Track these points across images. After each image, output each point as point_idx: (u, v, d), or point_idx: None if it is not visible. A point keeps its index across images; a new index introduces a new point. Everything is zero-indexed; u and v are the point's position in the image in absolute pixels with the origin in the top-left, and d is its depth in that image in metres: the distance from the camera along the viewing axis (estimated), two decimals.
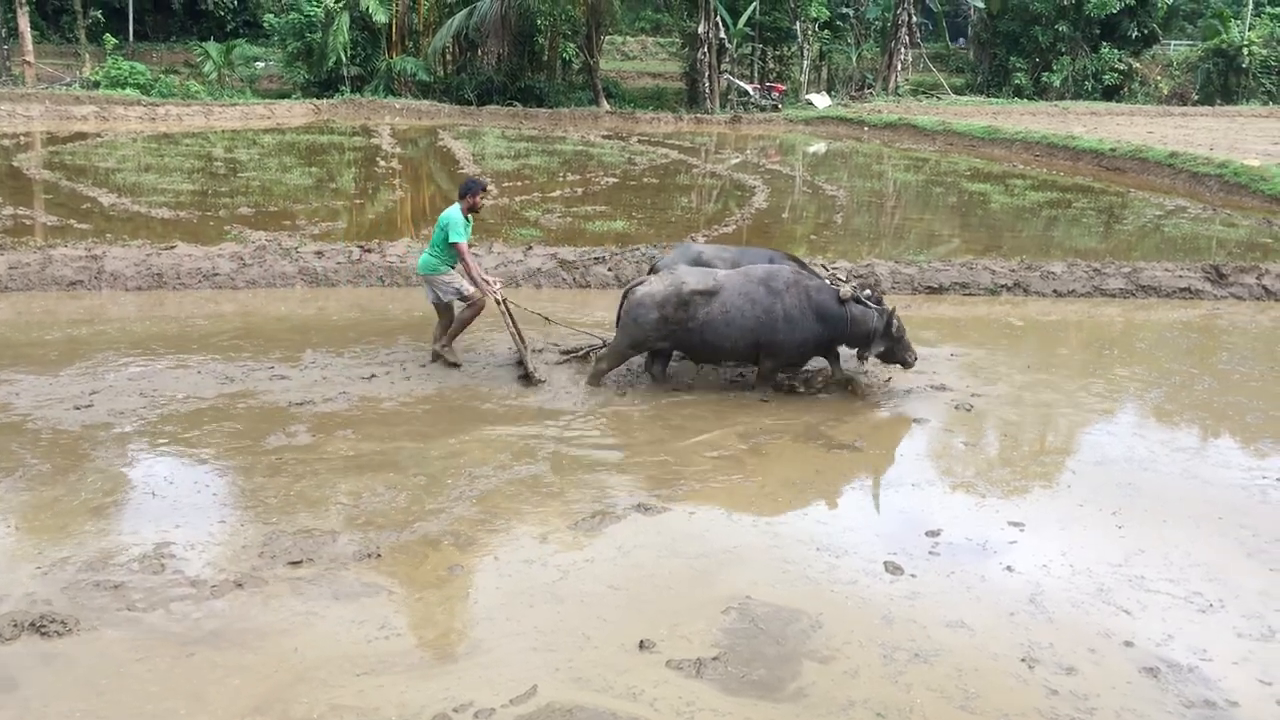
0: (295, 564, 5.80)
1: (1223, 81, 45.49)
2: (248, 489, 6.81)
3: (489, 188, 9.10)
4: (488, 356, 9.74)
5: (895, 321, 8.69)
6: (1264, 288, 13.24)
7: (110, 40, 38.99)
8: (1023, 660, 5.11)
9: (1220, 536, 6.58)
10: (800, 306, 8.59)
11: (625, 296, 8.97)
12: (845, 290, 8.70)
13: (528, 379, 8.99)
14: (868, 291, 8.88)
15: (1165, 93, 46.67)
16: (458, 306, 9.48)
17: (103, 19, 42.90)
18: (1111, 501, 7.04)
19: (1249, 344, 11.54)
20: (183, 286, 11.87)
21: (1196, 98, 45.59)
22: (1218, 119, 38.38)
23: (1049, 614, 5.55)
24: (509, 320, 9.38)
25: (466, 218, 9.27)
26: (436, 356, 9.48)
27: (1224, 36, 45.34)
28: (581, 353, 9.68)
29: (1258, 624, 5.53)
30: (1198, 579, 6.00)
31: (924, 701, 4.76)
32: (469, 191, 9.26)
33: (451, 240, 9.10)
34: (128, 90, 33.96)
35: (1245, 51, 44.50)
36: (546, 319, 10.04)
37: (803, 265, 9.69)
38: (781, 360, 8.83)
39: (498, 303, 9.31)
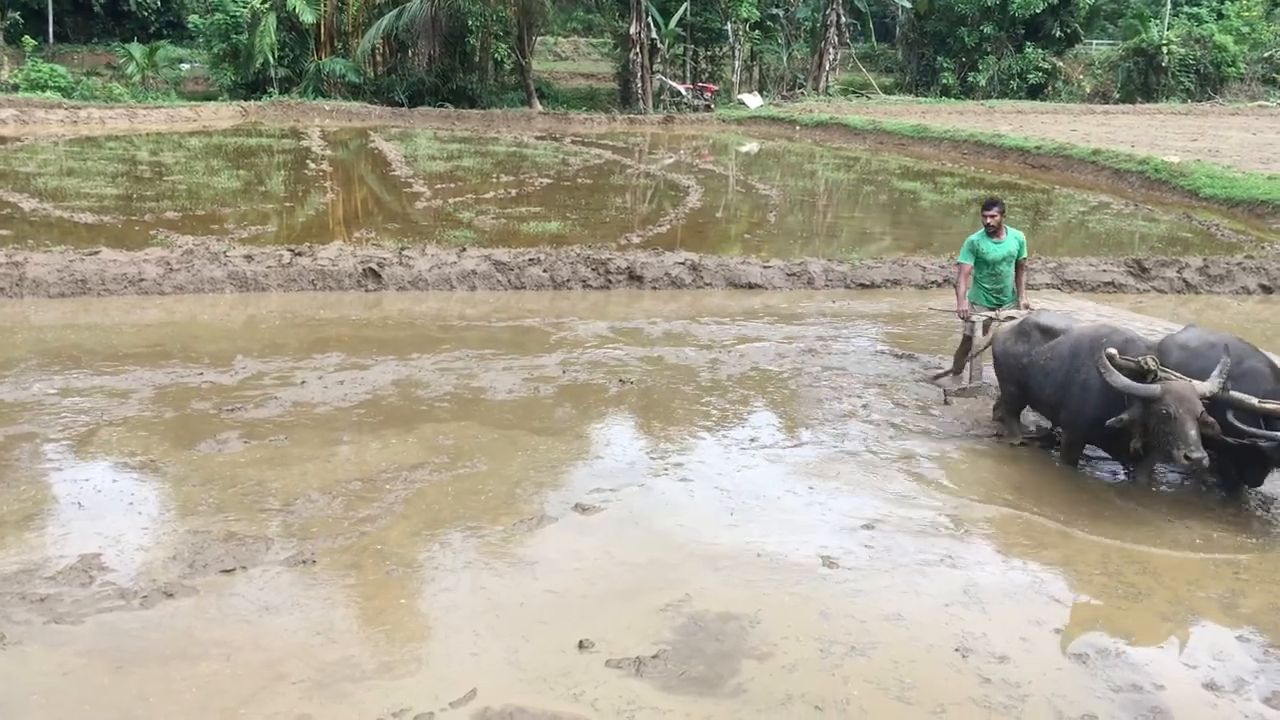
0: (228, 572, 5.70)
1: (1143, 80, 46.61)
2: (178, 497, 6.68)
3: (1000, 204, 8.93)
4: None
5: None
6: (1184, 281, 13.60)
7: (29, 42, 38.01)
8: (956, 650, 5.20)
9: (1144, 525, 6.75)
10: (1101, 380, 7.04)
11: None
12: (1116, 380, 6.84)
13: (945, 396, 9.09)
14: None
15: (1088, 91, 47.74)
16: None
17: (21, 20, 41.71)
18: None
19: None
20: (108, 293, 11.61)
21: (1118, 96, 46.70)
22: (1138, 117, 39.31)
23: (982, 604, 5.65)
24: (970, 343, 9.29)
25: (994, 241, 8.91)
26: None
27: (1144, 36, 46.47)
28: (941, 374, 9.61)
29: (1182, 610, 5.67)
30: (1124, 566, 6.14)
31: (861, 694, 4.82)
32: (982, 209, 8.98)
33: (958, 259, 9.26)
34: (48, 93, 33.14)
35: (1164, 50, 45.62)
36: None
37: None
38: (1075, 434, 7.60)
39: (982, 322, 9.04)
